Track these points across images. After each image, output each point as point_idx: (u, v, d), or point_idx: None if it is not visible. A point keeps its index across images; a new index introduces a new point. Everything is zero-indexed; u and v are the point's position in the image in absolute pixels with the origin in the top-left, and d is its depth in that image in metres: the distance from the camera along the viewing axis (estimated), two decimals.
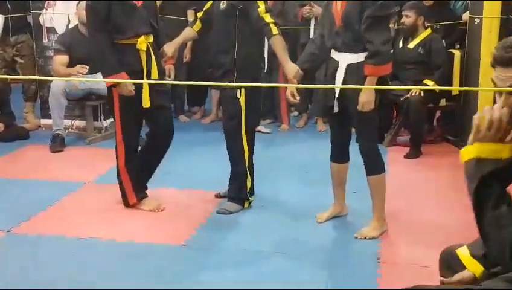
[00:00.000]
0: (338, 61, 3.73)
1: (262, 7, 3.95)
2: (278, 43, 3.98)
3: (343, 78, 3.69)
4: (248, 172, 4.26)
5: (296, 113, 7.10)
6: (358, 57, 3.64)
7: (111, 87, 4.07)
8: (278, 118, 6.75)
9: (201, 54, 6.39)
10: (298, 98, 3.84)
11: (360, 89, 3.60)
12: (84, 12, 5.67)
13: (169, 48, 4.25)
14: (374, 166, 3.82)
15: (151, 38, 4.13)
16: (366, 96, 3.60)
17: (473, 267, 2.17)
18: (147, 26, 4.10)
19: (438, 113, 6.49)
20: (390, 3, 3.78)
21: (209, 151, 5.42)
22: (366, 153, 3.80)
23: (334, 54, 3.76)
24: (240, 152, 4.19)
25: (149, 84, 3.98)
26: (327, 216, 4.07)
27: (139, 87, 3.99)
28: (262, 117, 6.65)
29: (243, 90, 4.07)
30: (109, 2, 3.92)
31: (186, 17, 6.70)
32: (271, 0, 6.19)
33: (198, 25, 4.34)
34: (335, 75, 3.73)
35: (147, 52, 4.07)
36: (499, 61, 1.92)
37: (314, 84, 5.01)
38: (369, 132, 3.78)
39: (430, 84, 5.59)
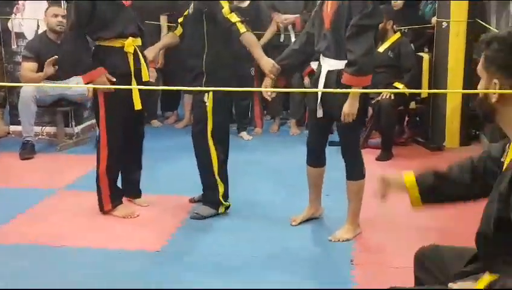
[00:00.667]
0: (321, 66, 3.73)
1: (226, 7, 3.92)
2: (248, 40, 3.95)
3: (324, 84, 3.67)
4: (219, 177, 4.20)
5: (268, 117, 7.13)
6: (339, 64, 3.60)
7: (96, 90, 4.02)
8: (252, 122, 6.77)
9: (173, 59, 6.38)
10: (270, 94, 3.86)
11: (341, 97, 3.58)
12: (52, 19, 5.70)
13: (150, 52, 4.27)
14: (355, 172, 3.83)
15: (139, 41, 4.12)
16: (349, 108, 3.57)
17: (412, 191, 2.40)
18: (135, 28, 4.09)
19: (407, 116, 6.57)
20: (379, 12, 3.67)
21: (183, 156, 5.40)
22: (348, 159, 3.82)
23: (321, 59, 3.75)
24: (207, 157, 4.14)
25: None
26: (301, 219, 4.10)
27: (128, 91, 3.97)
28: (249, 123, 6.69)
29: (210, 93, 4.03)
30: (95, 0, 3.89)
31: (159, 21, 6.68)
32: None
33: (179, 29, 4.34)
34: (318, 81, 3.74)
35: (135, 54, 4.06)
36: None
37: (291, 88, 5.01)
38: (352, 138, 3.81)
39: (400, 87, 5.66)
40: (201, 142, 4.14)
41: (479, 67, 1.99)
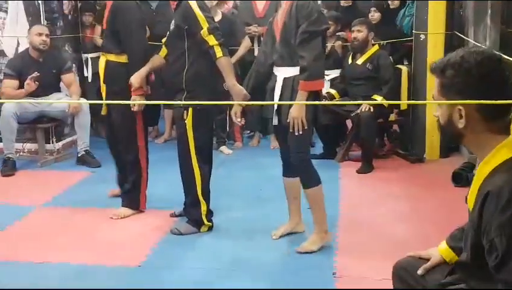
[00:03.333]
0: (276, 76, 3.80)
1: (205, 28, 3.92)
2: (223, 66, 3.97)
3: (280, 92, 3.75)
4: (202, 196, 4.15)
5: (247, 131, 7.14)
6: (294, 71, 3.71)
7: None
8: (231, 136, 6.78)
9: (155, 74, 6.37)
10: (240, 120, 3.93)
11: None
12: (36, 38, 5.69)
13: (136, 79, 4.19)
14: (309, 179, 3.83)
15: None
16: (296, 111, 3.63)
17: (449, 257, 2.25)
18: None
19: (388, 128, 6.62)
20: (324, 19, 3.80)
21: (163, 170, 5.39)
22: (298, 166, 3.82)
23: (275, 70, 3.84)
24: (190, 176, 4.11)
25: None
26: (282, 232, 4.10)
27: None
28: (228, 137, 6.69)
29: (190, 111, 4.01)
30: None
31: None
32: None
33: (163, 50, 4.29)
34: (274, 90, 3.80)
35: None
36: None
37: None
38: (300, 144, 3.76)
39: (379, 99, 5.70)
40: (184, 161, 4.12)
41: (435, 95, 1.99)
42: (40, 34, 5.81)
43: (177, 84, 4.08)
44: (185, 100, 4.01)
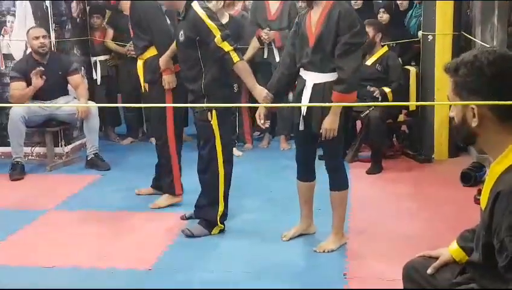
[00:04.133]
0: (305, 80, 3.77)
1: (218, 36, 3.91)
2: (241, 70, 3.97)
3: (310, 97, 3.72)
4: (222, 196, 4.18)
5: (257, 133, 7.15)
6: (325, 77, 3.67)
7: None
8: (241, 138, 6.79)
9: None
10: (264, 122, 3.92)
11: (326, 110, 3.63)
12: (33, 42, 5.70)
13: (163, 61, 4.53)
14: (338, 182, 3.89)
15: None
16: (330, 124, 3.63)
17: (459, 256, 2.24)
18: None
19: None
20: (365, 32, 3.78)
21: None
22: (330, 170, 3.87)
23: (303, 73, 3.80)
24: (215, 175, 4.14)
25: None
26: (293, 233, 4.10)
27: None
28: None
29: (214, 112, 4.05)
30: None
31: None
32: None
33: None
34: (301, 94, 3.77)
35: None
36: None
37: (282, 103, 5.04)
38: (333, 150, 3.84)
39: (387, 90, 5.70)
40: (211, 161, 4.13)
41: (450, 94, 2.00)
42: (37, 38, 5.79)
43: (196, 92, 4.10)
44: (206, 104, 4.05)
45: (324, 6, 3.67)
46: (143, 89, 4.87)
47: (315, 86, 3.71)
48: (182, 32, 4.09)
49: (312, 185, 4.04)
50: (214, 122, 4.07)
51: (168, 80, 4.54)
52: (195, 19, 3.99)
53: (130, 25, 4.97)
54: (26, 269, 3.74)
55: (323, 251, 3.87)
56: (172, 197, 4.80)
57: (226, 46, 3.92)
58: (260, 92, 3.88)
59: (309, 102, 3.70)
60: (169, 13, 4.65)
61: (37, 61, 5.86)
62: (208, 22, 3.95)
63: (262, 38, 6.30)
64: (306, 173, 4.02)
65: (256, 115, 3.90)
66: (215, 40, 3.91)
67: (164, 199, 4.82)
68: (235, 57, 3.93)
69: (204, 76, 4.04)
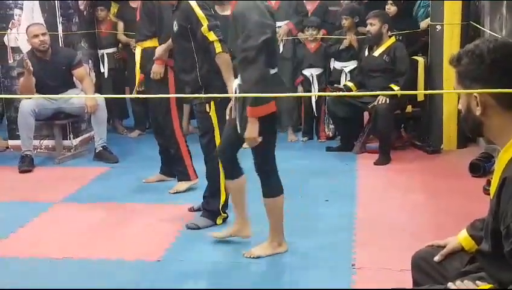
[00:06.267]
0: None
1: (205, 26, 3.93)
2: (222, 62, 3.95)
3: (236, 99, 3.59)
4: (223, 186, 4.19)
5: None
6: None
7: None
8: None
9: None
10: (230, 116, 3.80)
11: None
12: (33, 40, 5.68)
13: (158, 51, 4.70)
14: (269, 188, 3.68)
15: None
16: (248, 133, 3.44)
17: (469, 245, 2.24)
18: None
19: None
20: (260, 31, 3.35)
21: None
22: (261, 176, 3.67)
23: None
24: (215, 165, 4.13)
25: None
26: (224, 235, 3.95)
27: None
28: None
29: (212, 103, 4.05)
30: None
31: None
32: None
33: None
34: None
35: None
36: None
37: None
38: (262, 156, 3.63)
39: (396, 88, 5.68)
40: (211, 152, 4.14)
41: (455, 85, 2.00)
42: (36, 36, 5.76)
43: (192, 83, 4.10)
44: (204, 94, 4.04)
45: (232, 7, 3.62)
46: (137, 80, 5.01)
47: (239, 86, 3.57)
48: (175, 22, 4.11)
49: (238, 183, 3.84)
50: (213, 113, 4.08)
51: (155, 70, 4.73)
52: (186, 8, 4.02)
53: (137, 14, 5.03)
54: (36, 261, 3.76)
55: (250, 256, 3.67)
56: (189, 181, 4.92)
57: (211, 36, 3.93)
58: (233, 86, 3.81)
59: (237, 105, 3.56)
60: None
61: (40, 58, 5.84)
62: (198, 10, 3.97)
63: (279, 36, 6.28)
64: (230, 171, 3.84)
65: (227, 109, 3.78)
66: (202, 29, 3.93)
67: (182, 184, 4.94)
68: (218, 47, 3.92)
69: (198, 67, 4.05)
